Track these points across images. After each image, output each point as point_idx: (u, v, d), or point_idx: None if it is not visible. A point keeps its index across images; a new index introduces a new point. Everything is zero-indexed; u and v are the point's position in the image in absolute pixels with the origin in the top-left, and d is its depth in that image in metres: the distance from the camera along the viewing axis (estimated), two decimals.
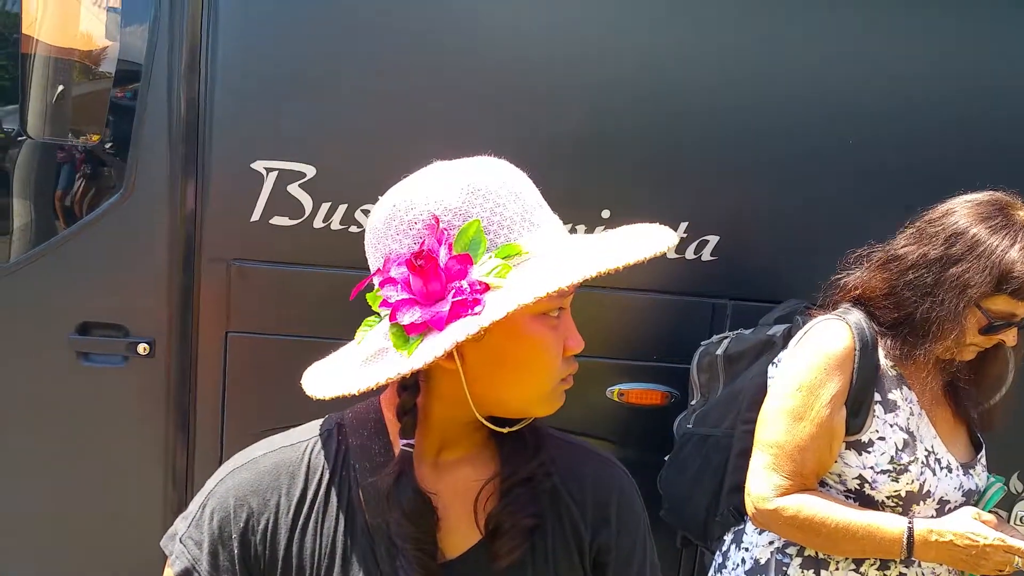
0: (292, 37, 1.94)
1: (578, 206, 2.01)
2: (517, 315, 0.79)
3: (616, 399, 2.13)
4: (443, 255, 0.81)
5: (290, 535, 0.87)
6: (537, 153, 1.98)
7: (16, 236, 2.09)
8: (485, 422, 0.87)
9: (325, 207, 1.98)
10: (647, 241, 0.85)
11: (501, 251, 0.81)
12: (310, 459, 0.90)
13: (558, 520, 0.93)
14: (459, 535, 0.90)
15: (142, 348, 2.05)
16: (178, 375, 2.07)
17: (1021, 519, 2.33)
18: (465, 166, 0.87)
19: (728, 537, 1.72)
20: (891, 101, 2.05)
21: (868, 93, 2.05)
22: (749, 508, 1.52)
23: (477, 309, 0.78)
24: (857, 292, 1.55)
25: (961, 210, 1.45)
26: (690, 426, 1.94)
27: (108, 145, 2.09)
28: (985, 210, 1.43)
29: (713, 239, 2.06)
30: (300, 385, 0.89)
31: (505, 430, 0.90)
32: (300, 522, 0.87)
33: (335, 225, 1.99)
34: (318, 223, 1.99)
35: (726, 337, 1.96)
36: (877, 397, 1.49)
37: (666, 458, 2.00)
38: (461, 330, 0.77)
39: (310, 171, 1.96)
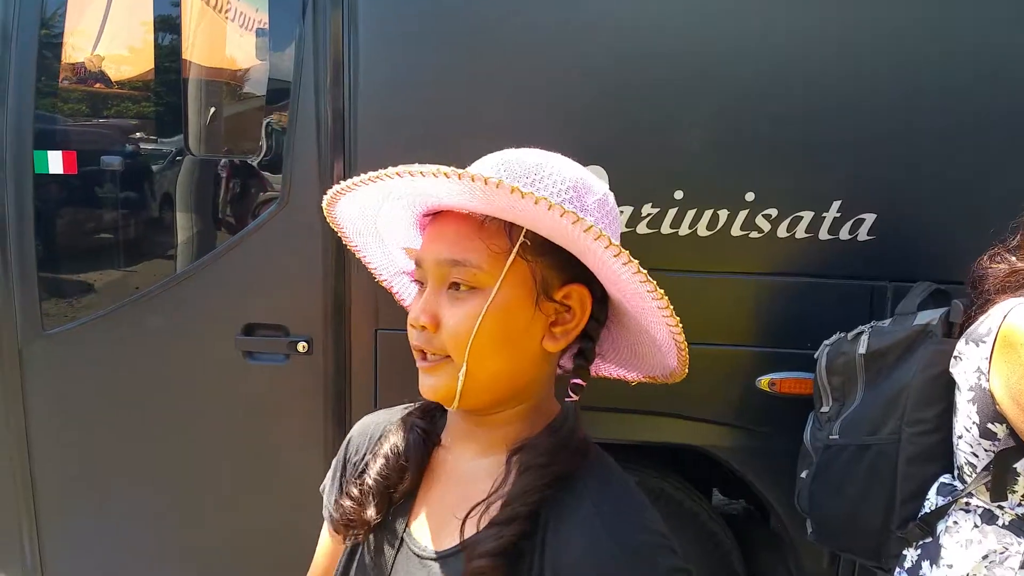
0: (426, 47, 2.00)
1: (720, 189, 1.96)
2: None
3: (767, 388, 2.05)
4: None
5: (366, 466, 0.98)
6: (678, 137, 1.96)
7: (182, 248, 2.27)
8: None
9: None
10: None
11: None
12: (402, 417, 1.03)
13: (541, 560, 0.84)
14: (446, 531, 0.90)
15: (301, 346, 2.17)
16: (335, 370, 2.18)
17: None
18: None
19: (912, 553, 1.57)
20: None
21: None
22: None
23: None
24: None
25: None
26: (836, 436, 1.78)
27: (264, 159, 2.22)
28: None
29: (869, 217, 1.93)
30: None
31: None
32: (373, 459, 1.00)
33: None
34: None
35: (861, 333, 1.80)
36: None
37: (803, 475, 1.88)
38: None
39: None
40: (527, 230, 0.84)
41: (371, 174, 0.85)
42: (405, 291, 1.14)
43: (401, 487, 0.94)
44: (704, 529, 2.27)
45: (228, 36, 2.16)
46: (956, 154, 1.92)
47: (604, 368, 1.05)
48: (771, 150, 1.95)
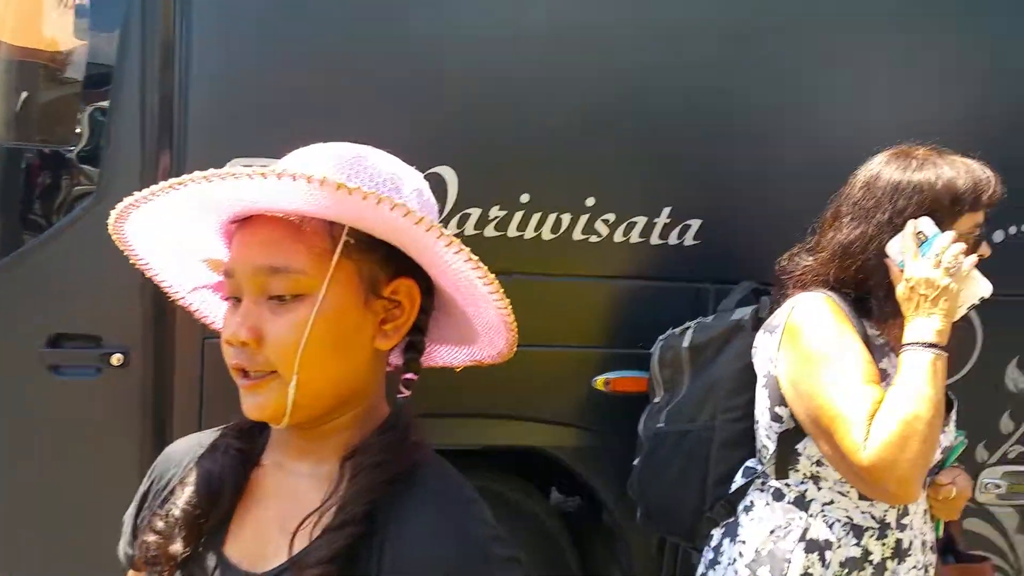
0: (267, 35, 1.91)
1: (562, 193, 2.03)
2: None
3: (602, 388, 2.14)
4: None
5: (171, 495, 0.90)
6: (524, 141, 2.01)
7: None
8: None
9: None
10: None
11: None
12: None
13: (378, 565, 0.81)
14: (271, 550, 0.85)
15: (116, 359, 1.97)
16: (155, 385, 2.01)
17: (986, 486, 2.43)
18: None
19: (717, 532, 1.70)
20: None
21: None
22: (873, 486, 1.44)
23: None
24: (818, 280, 1.59)
25: (884, 171, 1.54)
26: (662, 425, 1.90)
27: (81, 149, 2.01)
28: (899, 162, 1.53)
29: (696, 223, 2.09)
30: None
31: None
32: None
33: None
34: None
35: (687, 328, 1.94)
36: None
37: (635, 462, 1.99)
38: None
39: None
40: (349, 227, 0.82)
41: (173, 181, 0.79)
42: (205, 307, 1.05)
43: (214, 515, 0.87)
44: (542, 529, 2.32)
45: (44, 12, 1.95)
46: (772, 162, 2.12)
47: (430, 356, 1.02)
48: (609, 156, 2.05)
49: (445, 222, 1.97)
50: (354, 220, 0.80)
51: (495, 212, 2.00)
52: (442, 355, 1.04)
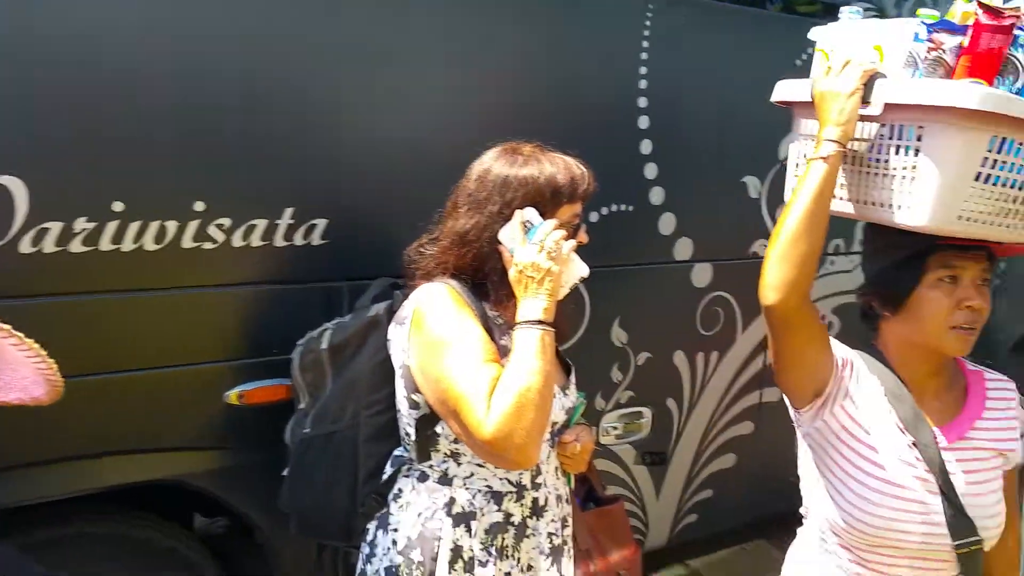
0: None
1: (164, 199, 1.81)
2: None
3: (237, 402, 1.99)
4: None
5: None
6: (104, 145, 1.74)
7: None
8: None
9: None
10: None
11: None
12: None
13: None
14: None
15: None
16: None
17: (607, 430, 2.74)
18: None
19: (372, 526, 1.71)
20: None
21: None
22: (496, 457, 1.48)
23: None
24: (440, 269, 1.64)
25: (494, 166, 1.64)
26: (308, 430, 1.86)
27: None
28: (508, 157, 1.65)
29: (322, 222, 2.00)
30: None
31: None
32: None
33: None
34: None
35: (326, 329, 1.90)
36: None
37: (284, 473, 1.91)
38: None
39: None
40: None
41: None
42: None
43: None
44: (184, 562, 2.11)
45: None
46: (394, 159, 2.09)
47: None
48: (217, 159, 1.86)
49: (16, 240, 1.65)
50: None
51: (81, 224, 1.71)
52: None
